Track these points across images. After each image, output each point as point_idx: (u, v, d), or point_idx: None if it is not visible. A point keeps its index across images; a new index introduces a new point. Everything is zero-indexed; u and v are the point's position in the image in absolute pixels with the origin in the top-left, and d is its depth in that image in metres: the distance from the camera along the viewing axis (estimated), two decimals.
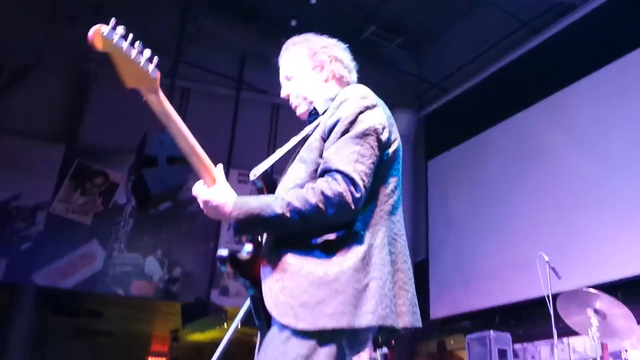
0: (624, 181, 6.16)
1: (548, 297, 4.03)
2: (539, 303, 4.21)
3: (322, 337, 1.40)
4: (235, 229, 1.48)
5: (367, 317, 1.40)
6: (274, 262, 1.50)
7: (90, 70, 8.85)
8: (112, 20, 1.39)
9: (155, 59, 1.46)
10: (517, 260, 6.60)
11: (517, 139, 7.78)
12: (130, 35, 1.42)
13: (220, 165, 1.60)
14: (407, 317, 1.50)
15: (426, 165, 9.56)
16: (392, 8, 8.37)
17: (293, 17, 7.98)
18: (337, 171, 1.46)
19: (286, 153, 1.73)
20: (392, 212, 1.57)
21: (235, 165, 9.04)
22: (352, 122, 1.53)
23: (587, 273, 5.98)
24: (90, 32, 1.35)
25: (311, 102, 1.78)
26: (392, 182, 1.60)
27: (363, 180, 1.47)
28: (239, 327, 2.61)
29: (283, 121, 9.56)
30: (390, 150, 1.60)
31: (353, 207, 1.44)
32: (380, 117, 1.58)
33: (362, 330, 1.45)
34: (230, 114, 9.45)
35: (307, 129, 1.71)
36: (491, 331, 4.65)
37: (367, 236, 1.48)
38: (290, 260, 1.48)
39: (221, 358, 2.26)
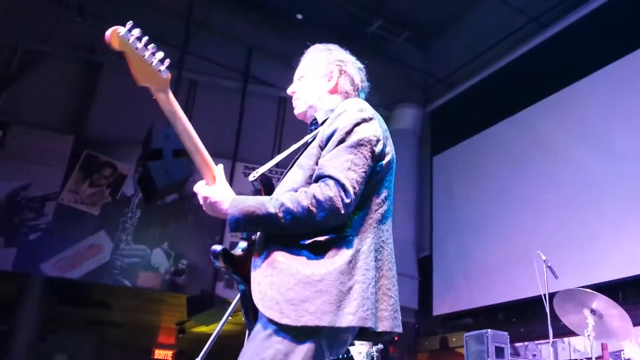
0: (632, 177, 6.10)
1: (545, 296, 4.04)
2: (540, 302, 4.21)
3: (302, 335, 1.46)
4: (231, 226, 1.55)
5: (348, 318, 1.45)
6: (264, 258, 1.56)
7: (98, 61, 8.92)
8: (129, 23, 1.49)
9: (167, 61, 1.54)
10: (521, 257, 6.57)
11: (523, 135, 7.72)
12: (145, 38, 1.51)
13: (221, 165, 1.69)
14: (387, 321, 1.56)
15: (432, 161, 9.53)
16: (399, 2, 8.34)
17: (300, 11, 7.98)
18: (330, 177, 1.52)
19: (285, 158, 1.81)
20: (381, 221, 1.64)
21: (241, 159, 9.09)
22: (348, 133, 1.60)
23: (589, 271, 5.96)
24: (108, 33, 1.45)
25: (310, 106, 1.85)
26: (384, 192, 1.67)
27: (354, 187, 1.53)
28: (231, 319, 2.71)
29: (290, 115, 9.44)
30: (384, 162, 1.66)
31: (343, 211, 1.50)
32: (375, 129, 1.65)
33: (342, 331, 1.50)
34: (237, 107, 9.48)
35: (307, 137, 1.78)
36: (489, 330, 4.68)
37: (356, 241, 1.55)
38: (280, 258, 1.53)
39: (209, 350, 2.34)
